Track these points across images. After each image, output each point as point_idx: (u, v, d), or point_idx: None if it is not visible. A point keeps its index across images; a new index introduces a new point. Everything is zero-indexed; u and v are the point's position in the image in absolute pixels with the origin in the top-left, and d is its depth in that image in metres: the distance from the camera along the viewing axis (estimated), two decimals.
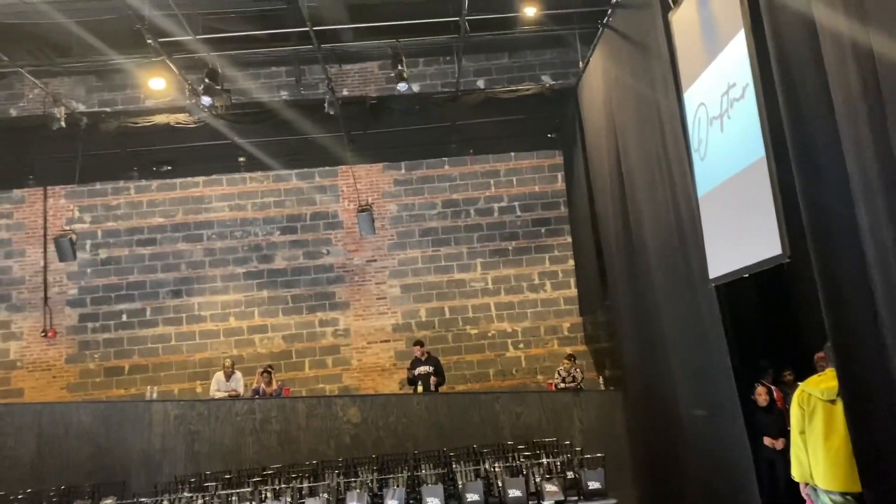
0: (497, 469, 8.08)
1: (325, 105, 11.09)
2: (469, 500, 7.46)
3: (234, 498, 7.85)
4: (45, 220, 12.97)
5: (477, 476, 8.12)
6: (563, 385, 10.90)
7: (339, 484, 8.18)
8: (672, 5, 7.07)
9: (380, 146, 12.81)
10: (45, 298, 12.75)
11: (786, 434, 6.47)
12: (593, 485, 7.63)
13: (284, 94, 12.62)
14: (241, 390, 10.77)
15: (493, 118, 12.40)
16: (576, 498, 7.60)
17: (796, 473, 4.82)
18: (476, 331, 12.80)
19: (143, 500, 8.02)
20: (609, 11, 9.35)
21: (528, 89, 11.99)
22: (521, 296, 12.91)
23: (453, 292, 12.91)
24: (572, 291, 12.83)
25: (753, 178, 5.59)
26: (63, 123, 10.90)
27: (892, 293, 3.96)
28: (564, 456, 8.47)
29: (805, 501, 4.98)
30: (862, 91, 4.04)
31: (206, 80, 10.05)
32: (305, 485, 8.11)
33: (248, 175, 13.16)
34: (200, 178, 13.17)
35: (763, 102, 5.41)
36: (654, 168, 7.91)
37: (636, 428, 9.70)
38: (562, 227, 13.07)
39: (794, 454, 4.83)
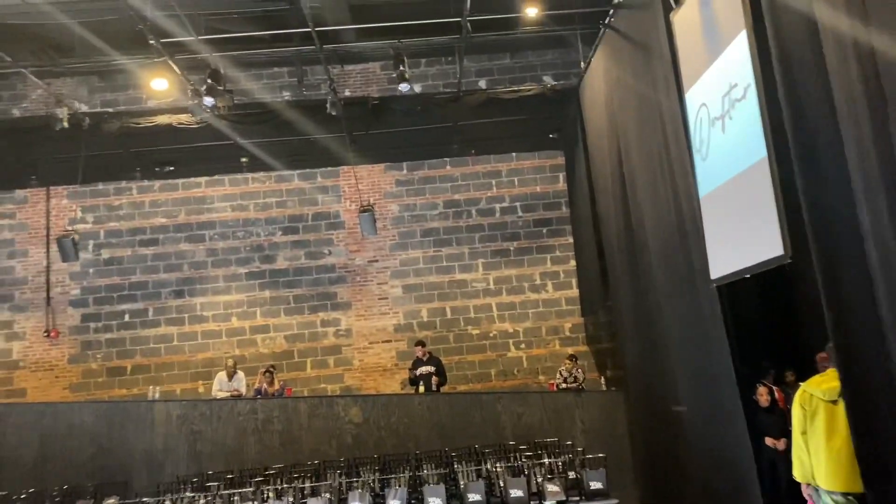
0: (499, 469, 8.09)
1: (328, 105, 11.11)
2: (471, 500, 7.47)
3: (236, 498, 7.87)
4: (48, 220, 12.99)
5: (479, 476, 8.13)
6: (564, 385, 10.90)
7: (341, 484, 8.19)
8: (673, 6, 7.08)
9: (381, 146, 12.82)
10: (48, 298, 12.77)
11: (787, 434, 6.47)
12: (595, 485, 7.64)
13: (287, 95, 12.63)
14: (243, 390, 10.78)
15: (495, 119, 12.41)
16: (577, 498, 7.61)
17: (798, 474, 4.82)
18: (478, 331, 12.81)
19: (145, 499, 8.05)
20: (610, 12, 9.35)
21: (529, 90, 11.99)
22: (523, 296, 12.91)
23: (455, 293, 12.92)
24: (574, 292, 12.84)
25: (755, 178, 5.59)
26: (66, 124, 10.93)
27: (894, 293, 3.97)
28: (566, 456, 8.48)
29: (807, 502, 4.98)
30: (864, 91, 4.04)
31: (209, 81, 10.07)
32: (307, 485, 8.13)
33: (250, 175, 13.19)
34: (203, 179, 13.19)
35: (764, 103, 5.42)
36: (655, 168, 7.91)
37: (638, 428, 9.70)
38: (563, 227, 13.08)
39: (795, 455, 4.83)
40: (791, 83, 4.96)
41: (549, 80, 12.51)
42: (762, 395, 7.54)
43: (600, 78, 10.03)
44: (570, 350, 12.21)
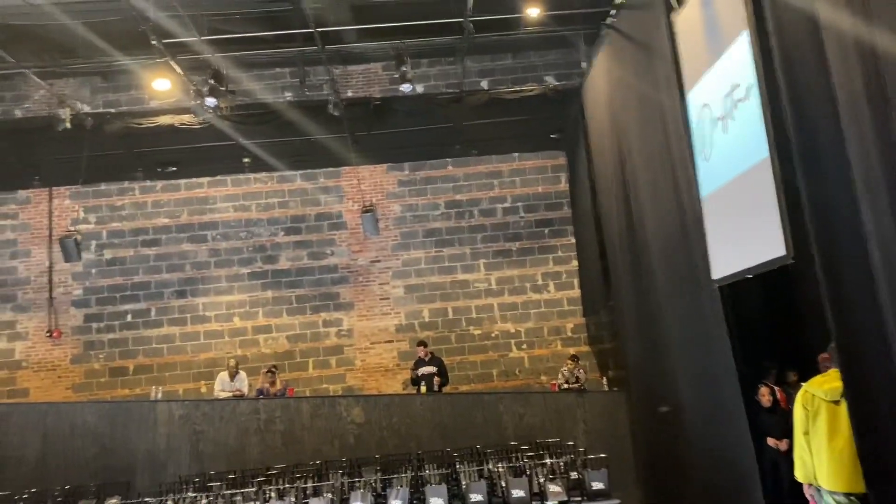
0: (500, 469, 8.08)
1: (329, 106, 11.12)
2: (472, 500, 7.47)
3: (238, 498, 7.87)
4: (51, 220, 13.02)
5: (480, 476, 8.12)
6: (566, 386, 10.90)
7: (342, 484, 8.19)
8: (675, 6, 7.08)
9: (383, 147, 12.83)
10: (51, 299, 12.80)
11: (789, 435, 6.46)
12: (597, 485, 7.63)
13: (288, 95, 12.63)
14: (245, 390, 10.79)
15: (497, 119, 12.41)
16: (579, 498, 7.60)
17: (800, 474, 4.82)
18: (479, 331, 12.81)
19: (147, 499, 8.05)
20: (612, 12, 9.35)
21: (531, 90, 11.98)
22: (525, 296, 12.91)
23: (457, 293, 12.92)
24: (576, 292, 12.84)
25: (757, 178, 5.59)
26: (68, 124, 10.93)
27: None
28: (568, 456, 8.47)
29: (809, 502, 4.97)
30: (866, 91, 4.04)
31: (211, 81, 10.09)
32: (309, 485, 8.13)
33: (252, 176, 13.21)
34: (205, 179, 13.21)
35: (767, 103, 5.41)
36: (657, 169, 7.91)
37: (639, 429, 9.70)
38: (565, 227, 13.08)
39: (797, 455, 4.83)
40: (793, 83, 4.96)
41: (551, 81, 12.49)
42: (764, 396, 7.52)
43: (602, 78, 10.03)
44: (571, 350, 12.21)
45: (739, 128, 5.90)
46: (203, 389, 12.28)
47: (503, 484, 7.75)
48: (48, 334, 12.64)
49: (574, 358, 11.37)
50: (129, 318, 12.79)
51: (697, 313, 7.09)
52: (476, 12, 9.57)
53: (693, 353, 7.42)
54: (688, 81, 6.88)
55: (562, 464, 8.18)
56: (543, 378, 12.41)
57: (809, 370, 6.21)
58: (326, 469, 8.96)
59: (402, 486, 7.75)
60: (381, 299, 12.91)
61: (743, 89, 5.75)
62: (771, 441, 7.31)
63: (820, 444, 4.62)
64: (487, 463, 8.52)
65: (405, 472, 8.28)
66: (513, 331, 12.80)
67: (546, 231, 13.13)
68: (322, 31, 10.08)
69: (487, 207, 13.18)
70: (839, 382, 4.58)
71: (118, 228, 13.08)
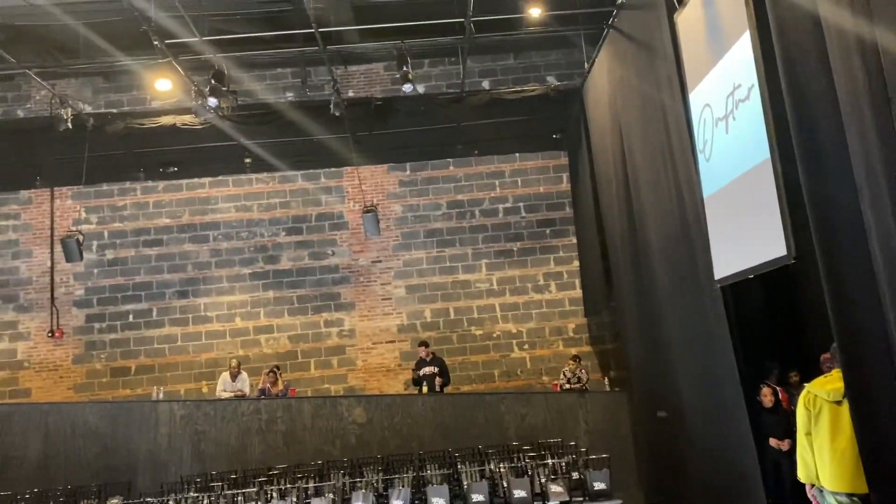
0: (502, 469, 8.08)
1: (331, 106, 11.12)
2: (474, 500, 7.47)
3: (239, 498, 7.87)
4: (52, 220, 13.03)
5: (482, 476, 8.12)
6: (568, 386, 10.89)
7: (344, 484, 8.19)
8: (677, 6, 7.07)
9: (385, 147, 12.84)
10: (52, 299, 12.81)
11: (791, 435, 6.47)
12: (598, 485, 7.62)
13: (290, 96, 12.66)
14: (246, 390, 10.79)
15: (498, 119, 12.41)
16: (581, 498, 7.59)
17: (802, 475, 4.81)
18: (481, 332, 12.81)
19: (149, 499, 8.05)
20: (614, 12, 9.35)
21: (533, 90, 11.98)
22: (526, 297, 12.91)
23: (458, 293, 12.92)
24: (577, 292, 12.83)
25: (759, 179, 5.58)
26: (70, 125, 10.95)
27: None
28: (569, 457, 8.45)
29: (811, 503, 4.97)
30: (868, 91, 4.03)
31: (212, 82, 10.10)
32: (311, 485, 8.13)
33: (253, 176, 13.21)
34: (206, 179, 13.22)
35: (768, 103, 5.41)
36: (659, 169, 7.91)
37: (641, 429, 9.69)
38: (567, 227, 13.07)
39: (799, 455, 4.82)
40: (795, 83, 4.95)
41: (552, 81, 12.50)
42: (766, 396, 7.52)
43: (604, 78, 10.03)
44: (573, 350, 12.20)
45: (741, 128, 5.89)
46: (205, 390, 12.29)
47: (505, 484, 7.75)
48: (50, 334, 12.65)
49: (576, 358, 11.36)
50: (130, 318, 12.80)
51: (699, 313, 7.09)
52: (477, 12, 9.57)
53: (695, 353, 7.41)
54: (690, 81, 6.88)
55: (563, 464, 8.17)
56: (545, 378, 12.40)
57: (811, 370, 6.22)
58: (328, 469, 8.96)
59: (403, 487, 7.75)
60: (382, 299, 12.91)
61: (745, 89, 5.75)
62: (773, 441, 7.31)
63: (822, 445, 4.62)
64: (489, 463, 8.52)
65: (407, 473, 8.27)
66: (514, 331, 12.80)
67: (547, 231, 13.12)
68: (323, 31, 10.08)
69: (489, 207, 13.18)
70: (841, 383, 4.57)
71: (120, 229, 13.09)
